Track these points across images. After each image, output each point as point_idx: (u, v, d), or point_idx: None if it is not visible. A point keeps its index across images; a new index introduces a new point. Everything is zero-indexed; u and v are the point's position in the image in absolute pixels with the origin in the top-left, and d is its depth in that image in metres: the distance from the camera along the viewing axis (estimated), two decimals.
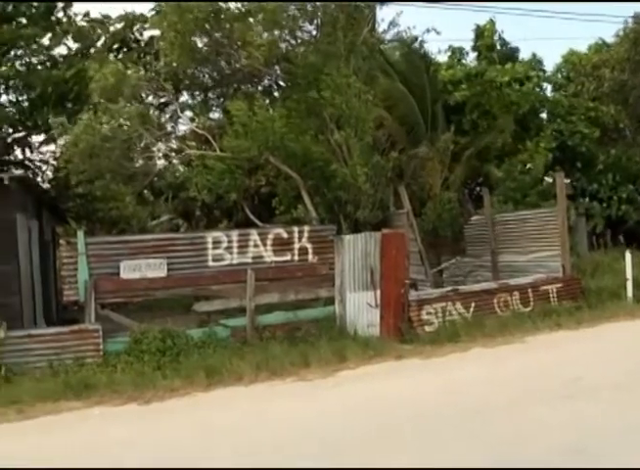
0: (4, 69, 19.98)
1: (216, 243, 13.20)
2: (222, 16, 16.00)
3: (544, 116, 25.00)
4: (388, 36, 20.08)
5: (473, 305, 14.29)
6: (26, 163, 23.85)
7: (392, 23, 19.05)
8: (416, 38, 21.24)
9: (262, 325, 12.93)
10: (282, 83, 18.55)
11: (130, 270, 12.56)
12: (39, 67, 21.52)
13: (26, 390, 10.55)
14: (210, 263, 13.14)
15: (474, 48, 24.57)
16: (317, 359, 11.59)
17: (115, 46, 21.84)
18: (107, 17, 22.92)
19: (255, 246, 13.40)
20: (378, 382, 10.48)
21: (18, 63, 21.34)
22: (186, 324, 12.94)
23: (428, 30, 19.65)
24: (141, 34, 22.40)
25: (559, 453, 6.59)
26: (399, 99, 19.97)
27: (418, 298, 14.06)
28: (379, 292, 13.43)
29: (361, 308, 13.42)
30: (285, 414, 8.98)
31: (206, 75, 18.47)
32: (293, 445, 7.47)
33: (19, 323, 13.05)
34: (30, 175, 20.05)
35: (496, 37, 24.21)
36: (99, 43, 21.93)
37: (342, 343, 12.40)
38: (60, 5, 21.89)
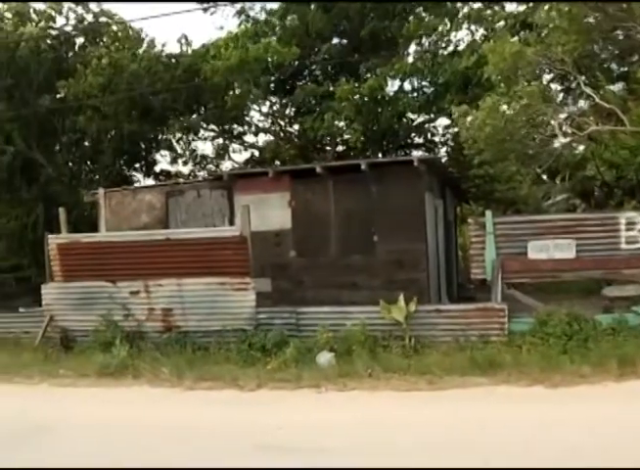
0: (408, 63, 21.15)
1: (630, 224, 12.53)
2: None
3: None
4: None
5: None
6: (427, 145, 25.11)
7: None
8: None
9: None
10: None
11: (537, 250, 12.52)
12: (442, 54, 22.34)
13: (434, 362, 11.04)
14: (623, 246, 12.54)
15: None
16: None
17: (517, 28, 21.62)
18: None
19: None
20: None
21: (422, 55, 22.43)
22: (587, 308, 12.41)
23: None
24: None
25: None
26: None
27: None
28: None
29: None
30: None
31: (605, 51, 17.43)
32: None
33: (425, 298, 13.81)
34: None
35: None
36: (499, 25, 21.97)
37: None
38: None
